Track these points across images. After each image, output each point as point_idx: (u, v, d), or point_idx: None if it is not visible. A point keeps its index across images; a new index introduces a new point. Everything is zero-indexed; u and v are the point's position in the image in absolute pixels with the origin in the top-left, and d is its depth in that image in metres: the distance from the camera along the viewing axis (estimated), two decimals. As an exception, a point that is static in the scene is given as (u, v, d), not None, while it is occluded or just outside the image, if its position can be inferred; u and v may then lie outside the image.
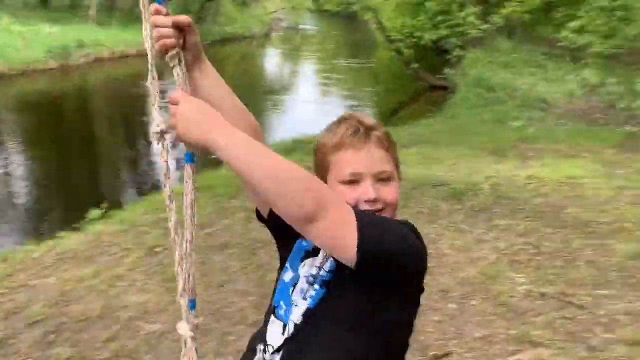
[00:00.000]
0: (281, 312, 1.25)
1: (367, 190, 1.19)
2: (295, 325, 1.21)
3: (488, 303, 3.80)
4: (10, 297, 3.97)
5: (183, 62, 1.16)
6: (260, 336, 1.29)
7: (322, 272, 1.22)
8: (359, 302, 1.17)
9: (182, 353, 1.19)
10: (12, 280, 4.28)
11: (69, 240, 5.11)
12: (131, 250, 4.87)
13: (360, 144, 1.20)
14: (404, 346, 1.25)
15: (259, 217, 1.42)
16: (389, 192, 1.21)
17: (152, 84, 1.15)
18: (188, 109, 1.07)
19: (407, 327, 1.24)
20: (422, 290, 1.27)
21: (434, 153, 8.05)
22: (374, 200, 1.19)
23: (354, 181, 1.20)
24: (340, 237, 1.05)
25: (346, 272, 1.12)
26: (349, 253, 1.06)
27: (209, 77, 1.26)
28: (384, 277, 1.14)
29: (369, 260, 1.07)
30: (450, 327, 3.53)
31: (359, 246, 1.05)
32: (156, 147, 1.13)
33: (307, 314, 1.20)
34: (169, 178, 1.18)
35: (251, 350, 1.31)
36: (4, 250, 4.96)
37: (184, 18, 1.16)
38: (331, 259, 1.20)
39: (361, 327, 1.15)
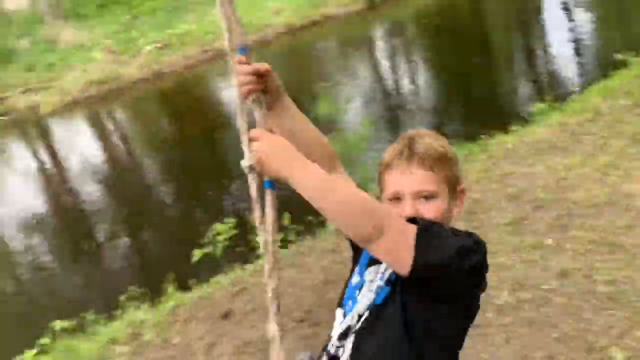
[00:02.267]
0: (347, 309, 1.35)
1: (404, 209, 1.26)
2: (359, 318, 1.30)
3: None
4: (509, 183, 4.29)
5: (263, 104, 1.32)
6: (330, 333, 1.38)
7: (384, 278, 1.30)
8: (413, 308, 1.21)
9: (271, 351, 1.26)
10: (500, 168, 4.62)
11: (538, 129, 5.19)
12: (608, 139, 4.60)
13: (403, 165, 1.28)
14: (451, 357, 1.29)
15: None
16: (428, 209, 1.26)
17: (240, 125, 1.28)
18: (266, 146, 1.21)
19: (450, 340, 1.27)
20: (475, 306, 1.29)
21: None
22: (413, 218, 1.22)
23: (397, 199, 1.29)
24: (395, 254, 1.14)
25: (404, 280, 1.18)
26: (403, 269, 1.14)
27: (289, 114, 1.42)
28: (436, 289, 1.19)
29: (422, 275, 1.14)
30: None
31: (413, 263, 1.12)
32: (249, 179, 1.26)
33: (370, 311, 1.28)
34: (257, 203, 1.29)
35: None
36: (479, 142, 5.35)
37: (262, 66, 1.32)
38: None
39: (411, 333, 1.20)
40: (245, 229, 4.48)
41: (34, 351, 3.94)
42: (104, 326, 3.95)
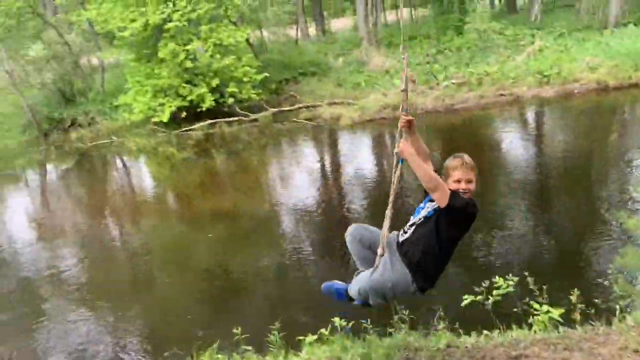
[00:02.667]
0: (415, 215, 3.09)
1: (462, 185, 2.91)
2: (419, 220, 3.02)
3: None
4: None
5: (408, 134, 3.06)
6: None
7: (433, 206, 2.96)
8: (441, 223, 2.88)
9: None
10: None
11: None
12: None
13: (464, 168, 2.94)
14: (450, 253, 3.02)
15: None
16: (472, 186, 2.93)
17: (397, 138, 3.12)
18: (403, 146, 2.96)
19: (453, 244, 3.00)
20: (466, 231, 2.98)
21: None
22: (465, 189, 2.90)
23: (458, 181, 2.92)
24: (441, 199, 2.81)
25: (441, 209, 2.85)
26: (443, 205, 2.81)
27: (415, 139, 3.11)
28: (453, 218, 2.84)
29: (451, 209, 2.80)
30: None
31: (448, 203, 2.80)
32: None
33: (423, 218, 3.01)
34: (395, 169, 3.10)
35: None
36: None
37: (411, 118, 3.08)
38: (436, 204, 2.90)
39: (438, 233, 2.89)
40: (523, 292, 4.38)
41: (314, 337, 4.35)
42: (375, 337, 4.08)
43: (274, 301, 6.61)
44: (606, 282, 4.56)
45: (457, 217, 2.84)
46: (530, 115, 14.67)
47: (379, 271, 3.03)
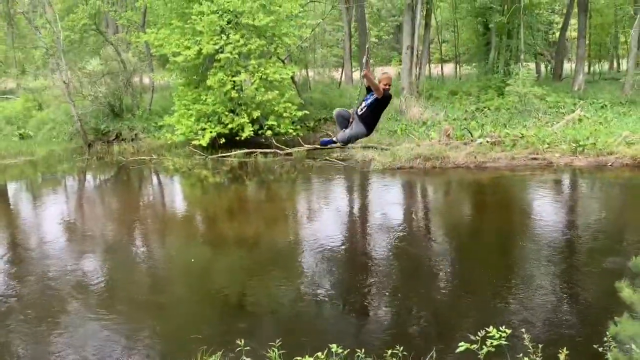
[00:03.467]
0: (366, 99, 5.99)
1: (386, 87, 5.79)
2: (366, 104, 5.90)
3: None
4: None
5: (366, 69, 6.08)
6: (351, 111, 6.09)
7: (372, 96, 5.87)
8: (376, 106, 5.84)
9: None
10: None
11: None
12: None
13: (386, 79, 5.85)
14: (378, 118, 6.04)
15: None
16: (389, 87, 5.81)
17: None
18: (367, 73, 5.84)
19: (380, 113, 6.00)
20: (385, 107, 6.02)
21: None
22: (386, 88, 5.76)
23: (385, 85, 5.76)
24: (379, 93, 5.70)
25: (377, 98, 5.81)
26: (380, 96, 5.74)
27: (369, 70, 7.35)
28: (382, 101, 5.81)
29: (382, 97, 5.75)
30: None
31: (383, 94, 5.75)
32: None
33: (368, 103, 5.88)
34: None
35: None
36: None
37: (368, 72, 6.10)
38: (375, 96, 5.83)
39: (377, 113, 5.92)
40: (512, 344, 4.52)
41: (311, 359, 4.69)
42: None
43: (280, 324, 6.84)
44: (601, 349, 4.64)
45: (385, 100, 5.78)
46: (558, 182, 14.68)
47: (352, 127, 5.86)
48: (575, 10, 28.11)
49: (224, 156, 18.54)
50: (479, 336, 4.45)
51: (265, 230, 11.31)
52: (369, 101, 5.82)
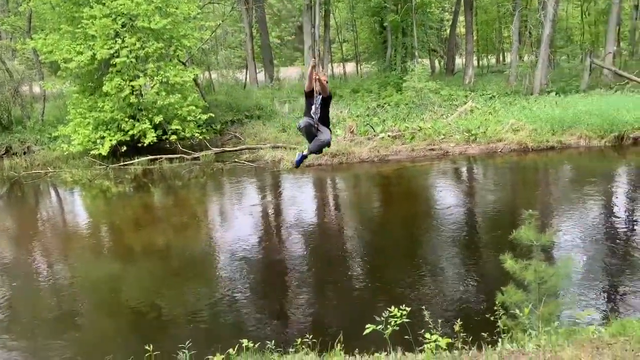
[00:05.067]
0: (316, 105, 5.72)
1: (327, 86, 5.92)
2: (318, 108, 5.72)
3: None
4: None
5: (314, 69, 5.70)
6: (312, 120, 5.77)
7: (321, 99, 5.72)
8: (324, 107, 5.78)
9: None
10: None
11: None
12: None
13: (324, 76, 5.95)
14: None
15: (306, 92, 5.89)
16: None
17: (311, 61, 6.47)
18: (317, 72, 5.63)
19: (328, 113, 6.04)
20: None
21: None
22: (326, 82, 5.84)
23: (326, 82, 5.78)
24: (327, 92, 5.70)
25: (324, 98, 5.76)
26: (326, 95, 5.72)
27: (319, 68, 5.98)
28: (329, 99, 5.85)
29: (328, 96, 5.80)
30: None
31: (329, 94, 5.83)
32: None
33: (319, 106, 5.72)
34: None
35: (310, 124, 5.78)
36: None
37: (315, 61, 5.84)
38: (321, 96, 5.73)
39: (327, 112, 5.86)
40: (416, 322, 4.85)
41: (222, 356, 4.81)
42: (279, 356, 4.63)
43: (193, 328, 6.80)
44: (492, 318, 5.10)
45: (330, 99, 5.82)
46: (455, 170, 15.67)
47: (321, 134, 5.73)
48: (463, 8, 30.02)
49: (126, 164, 17.87)
50: (383, 317, 4.74)
51: (175, 238, 11.10)
52: (318, 103, 5.67)
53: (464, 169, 15.85)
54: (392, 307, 4.73)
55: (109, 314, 7.55)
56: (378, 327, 4.71)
